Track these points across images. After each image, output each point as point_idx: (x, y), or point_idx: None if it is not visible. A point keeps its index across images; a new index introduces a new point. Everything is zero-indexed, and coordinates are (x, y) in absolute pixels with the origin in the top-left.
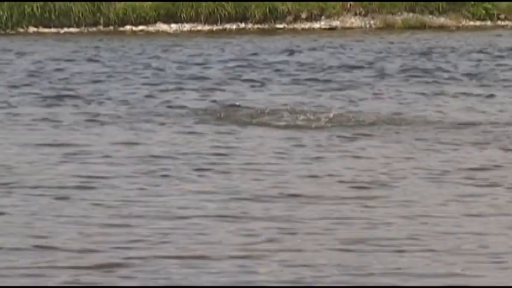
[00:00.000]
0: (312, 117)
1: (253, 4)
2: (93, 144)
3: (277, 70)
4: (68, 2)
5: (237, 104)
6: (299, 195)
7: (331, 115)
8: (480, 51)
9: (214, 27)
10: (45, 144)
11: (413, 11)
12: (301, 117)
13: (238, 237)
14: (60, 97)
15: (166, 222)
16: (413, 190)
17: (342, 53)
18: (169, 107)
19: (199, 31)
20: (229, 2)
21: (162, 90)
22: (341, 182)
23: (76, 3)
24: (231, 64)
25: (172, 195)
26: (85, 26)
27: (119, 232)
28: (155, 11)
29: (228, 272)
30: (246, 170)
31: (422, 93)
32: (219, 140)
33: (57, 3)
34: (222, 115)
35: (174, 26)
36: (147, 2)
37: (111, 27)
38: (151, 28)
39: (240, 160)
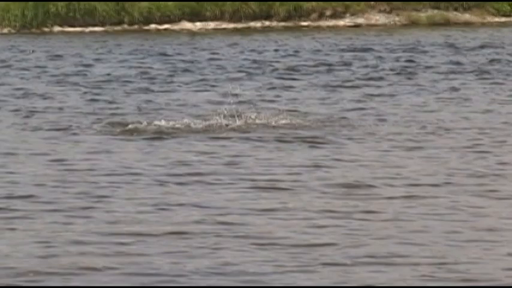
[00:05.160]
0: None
1: (277, 2)
2: None
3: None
4: (92, 1)
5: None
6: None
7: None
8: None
9: (239, 25)
10: None
11: (438, 8)
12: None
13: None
14: None
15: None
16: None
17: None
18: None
19: (223, 29)
20: (254, 1)
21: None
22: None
23: (101, 2)
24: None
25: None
26: (110, 24)
27: None
28: (180, 10)
29: None
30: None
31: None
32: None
33: (81, 2)
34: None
35: (198, 24)
36: (171, 1)
37: (136, 26)
38: (175, 27)
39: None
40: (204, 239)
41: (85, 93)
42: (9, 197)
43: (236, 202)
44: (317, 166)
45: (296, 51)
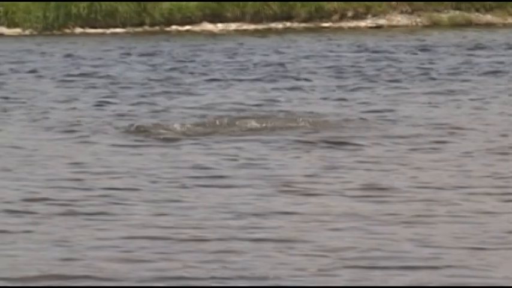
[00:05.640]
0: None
1: (298, 3)
2: None
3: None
4: (113, 2)
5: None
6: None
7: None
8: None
9: (260, 27)
10: None
11: (460, 9)
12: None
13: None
14: None
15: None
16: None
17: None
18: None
19: (245, 30)
20: (275, 1)
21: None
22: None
23: (122, 3)
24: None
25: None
26: (131, 26)
27: None
28: (201, 11)
29: None
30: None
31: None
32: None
33: (103, 4)
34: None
35: (219, 26)
36: (192, 2)
37: (157, 28)
38: (196, 28)
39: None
40: (222, 242)
41: (100, 95)
42: (26, 199)
43: (254, 205)
44: (335, 168)
45: (313, 53)
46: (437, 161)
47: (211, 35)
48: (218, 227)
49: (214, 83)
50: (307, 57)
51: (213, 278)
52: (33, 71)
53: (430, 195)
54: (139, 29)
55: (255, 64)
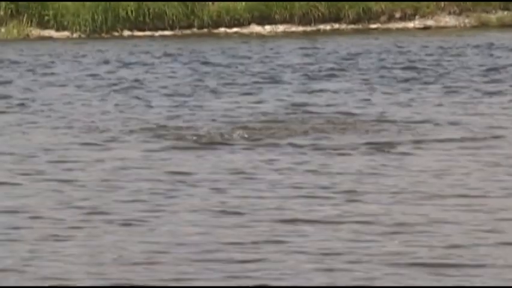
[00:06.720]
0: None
1: (346, 4)
2: None
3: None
4: (161, 5)
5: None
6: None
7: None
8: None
9: (308, 28)
10: None
11: (508, 9)
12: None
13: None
14: None
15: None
16: None
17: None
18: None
19: (292, 32)
20: (323, 3)
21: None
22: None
23: (170, 6)
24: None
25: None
26: (179, 28)
27: None
28: (249, 13)
29: None
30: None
31: None
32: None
33: (151, 7)
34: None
35: (268, 28)
36: (241, 4)
37: (205, 30)
38: (245, 30)
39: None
40: (257, 250)
41: (134, 98)
42: (61, 203)
43: (293, 211)
44: (377, 172)
45: (354, 54)
46: (481, 165)
47: (259, 37)
48: (255, 234)
49: (248, 86)
50: (346, 59)
51: (244, 286)
52: (64, 74)
53: (475, 199)
54: (187, 31)
55: (292, 66)
